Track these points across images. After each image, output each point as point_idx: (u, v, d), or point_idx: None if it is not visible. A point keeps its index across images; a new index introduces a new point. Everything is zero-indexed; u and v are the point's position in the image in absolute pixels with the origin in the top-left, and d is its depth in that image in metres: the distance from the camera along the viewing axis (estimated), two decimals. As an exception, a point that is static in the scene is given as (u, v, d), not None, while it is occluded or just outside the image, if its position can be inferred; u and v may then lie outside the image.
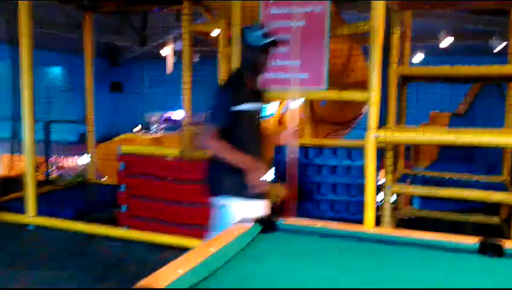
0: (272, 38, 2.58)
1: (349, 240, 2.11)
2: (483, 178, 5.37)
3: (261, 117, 2.91)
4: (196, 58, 9.87)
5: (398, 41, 5.02)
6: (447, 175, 5.62)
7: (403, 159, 5.80)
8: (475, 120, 6.29)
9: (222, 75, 4.99)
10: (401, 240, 2.11)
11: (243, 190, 2.61)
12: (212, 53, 6.43)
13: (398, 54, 4.96)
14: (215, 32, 6.11)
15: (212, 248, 1.73)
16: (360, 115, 6.10)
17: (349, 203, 5.40)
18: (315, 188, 5.49)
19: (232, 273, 1.60)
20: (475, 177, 5.37)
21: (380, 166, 5.15)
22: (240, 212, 2.61)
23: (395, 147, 5.41)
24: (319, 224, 2.29)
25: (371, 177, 3.40)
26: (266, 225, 2.21)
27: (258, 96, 2.82)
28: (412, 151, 6.40)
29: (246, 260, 1.76)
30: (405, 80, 5.73)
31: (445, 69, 4.44)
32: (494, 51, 9.56)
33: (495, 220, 5.20)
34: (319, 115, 6.25)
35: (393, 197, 5.51)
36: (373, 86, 3.42)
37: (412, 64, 10.19)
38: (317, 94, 3.77)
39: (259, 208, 2.69)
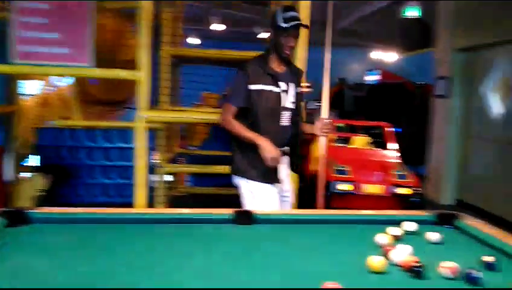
0: (295, 22, 2.56)
1: (114, 224, 2.04)
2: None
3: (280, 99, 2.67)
4: None
5: (170, 22, 5.07)
6: (218, 153, 6.01)
7: (177, 139, 5.94)
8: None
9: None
10: (165, 218, 2.14)
11: (249, 171, 2.67)
12: None
13: (170, 35, 5.00)
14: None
15: None
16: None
17: (123, 187, 5.26)
18: (86, 172, 5.18)
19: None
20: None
21: (155, 147, 5.17)
22: (247, 193, 2.70)
23: (169, 127, 5.50)
24: (78, 210, 2.14)
25: (141, 157, 3.36)
26: (14, 217, 1.95)
27: (282, 78, 2.68)
28: (186, 131, 6.61)
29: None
30: (179, 62, 5.86)
31: (211, 52, 4.68)
32: (258, 37, 10.64)
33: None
34: (91, 95, 5.90)
35: (170, 177, 5.62)
36: (142, 65, 3.36)
37: (191, 47, 10.49)
38: (81, 71, 3.49)
39: (265, 191, 2.67)
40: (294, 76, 2.75)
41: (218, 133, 6.99)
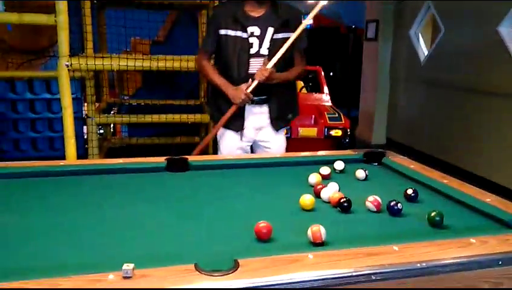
0: None
1: (42, 177, 1.94)
2: (183, 102, 5.82)
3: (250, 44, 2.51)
4: None
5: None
6: (152, 102, 5.85)
7: (107, 88, 5.68)
8: (175, 47, 6.62)
9: None
10: (96, 169, 2.07)
11: (216, 116, 2.67)
12: None
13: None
14: None
15: None
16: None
17: (52, 140, 5.02)
18: (11, 127, 4.86)
19: None
20: (176, 102, 5.76)
21: (84, 97, 4.92)
22: (218, 137, 2.71)
23: (97, 76, 5.24)
24: (0, 165, 2.02)
25: (68, 108, 3.19)
26: None
27: (254, 22, 2.49)
28: (117, 80, 6.33)
29: None
30: (103, 5, 5.50)
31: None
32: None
33: (196, 139, 5.76)
34: (7, 43, 5.43)
35: (101, 129, 5.42)
36: (60, 9, 3.10)
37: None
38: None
39: (226, 136, 2.66)
40: (277, 20, 2.50)
41: (150, 81, 6.77)
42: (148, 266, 1.10)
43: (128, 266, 1.06)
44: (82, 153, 4.63)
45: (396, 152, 2.40)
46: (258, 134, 2.70)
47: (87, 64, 3.38)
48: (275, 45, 2.49)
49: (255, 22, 2.47)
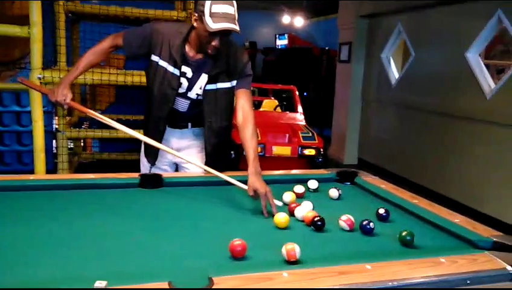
0: (223, 26, 1.98)
1: (13, 191, 1.89)
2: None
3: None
4: None
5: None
6: (125, 117, 5.78)
7: (78, 102, 5.59)
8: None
9: None
10: (68, 184, 2.03)
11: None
12: None
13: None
14: None
15: None
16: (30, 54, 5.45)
17: (20, 154, 4.89)
18: (-24, 139, 4.72)
19: None
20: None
21: (55, 110, 4.82)
22: None
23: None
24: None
25: (38, 121, 3.13)
26: None
27: (191, 64, 2.21)
28: (89, 94, 6.25)
29: None
30: (77, 18, 5.45)
31: (112, 9, 4.42)
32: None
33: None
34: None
35: (71, 143, 5.32)
36: (34, 21, 3.07)
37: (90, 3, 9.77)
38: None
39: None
40: (214, 68, 2.20)
41: (124, 96, 6.71)
42: (122, 284, 1.08)
43: (100, 284, 1.04)
44: (51, 168, 4.52)
45: (368, 172, 2.45)
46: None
47: (60, 77, 3.33)
48: (206, 95, 2.25)
49: (189, 63, 2.22)
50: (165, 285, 1.09)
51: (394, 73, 6.36)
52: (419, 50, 5.68)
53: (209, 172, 2.10)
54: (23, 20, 3.24)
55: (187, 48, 2.20)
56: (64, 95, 2.12)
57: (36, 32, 3.08)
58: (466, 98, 4.82)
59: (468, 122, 4.81)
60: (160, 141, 2.29)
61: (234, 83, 2.26)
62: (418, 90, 5.69)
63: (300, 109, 6.18)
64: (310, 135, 5.38)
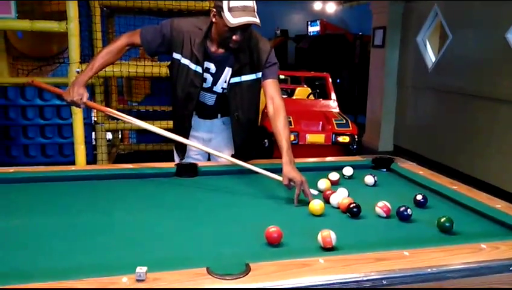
0: (244, 21, 1.96)
1: (56, 181, 1.97)
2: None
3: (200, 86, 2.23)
4: None
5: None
6: (160, 108, 5.88)
7: (116, 95, 5.73)
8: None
9: None
10: (107, 174, 2.09)
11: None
12: None
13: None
14: None
15: None
16: (68, 48, 5.60)
17: (62, 146, 5.06)
18: (20, 132, 4.91)
19: None
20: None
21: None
22: None
23: (106, 82, 5.28)
24: (11, 170, 2.04)
25: (78, 114, 3.22)
26: None
27: (214, 59, 2.20)
28: (126, 86, 6.38)
29: None
30: (112, 12, 5.56)
31: (147, 2, 4.48)
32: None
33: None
34: (18, 50, 5.50)
35: (109, 134, 5.46)
36: (71, 16, 3.15)
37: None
38: (6, 24, 3.24)
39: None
40: (237, 61, 2.19)
41: (159, 88, 6.81)
42: (161, 270, 1.11)
43: (141, 269, 1.08)
44: (91, 159, 4.66)
45: (403, 158, 2.41)
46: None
47: (97, 71, 3.41)
48: (232, 88, 2.24)
49: (212, 58, 2.21)
50: (203, 270, 1.11)
51: (431, 57, 6.18)
52: (457, 32, 5.49)
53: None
54: (61, 15, 3.33)
55: (208, 43, 2.19)
56: (81, 95, 2.09)
57: (73, 27, 3.16)
58: (507, 80, 4.64)
59: (509, 105, 4.63)
60: (187, 137, 2.31)
61: (259, 74, 2.24)
62: (456, 74, 5.51)
63: (333, 96, 6.11)
64: (344, 122, 5.32)
